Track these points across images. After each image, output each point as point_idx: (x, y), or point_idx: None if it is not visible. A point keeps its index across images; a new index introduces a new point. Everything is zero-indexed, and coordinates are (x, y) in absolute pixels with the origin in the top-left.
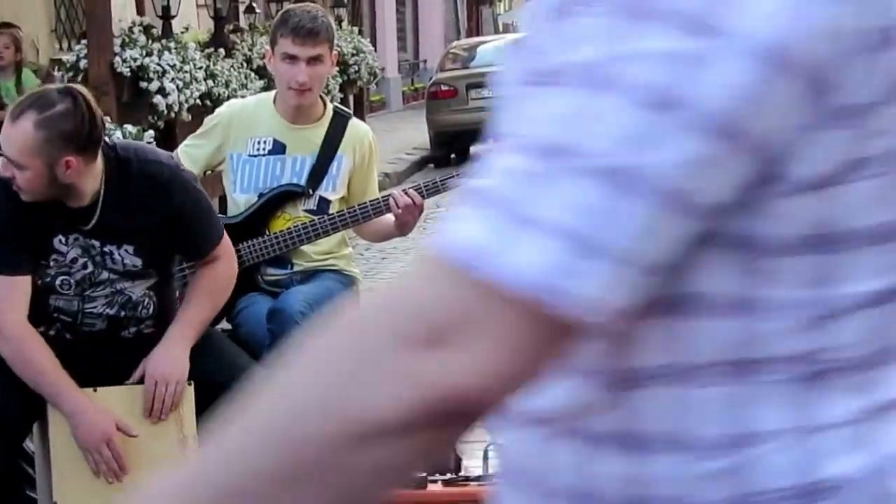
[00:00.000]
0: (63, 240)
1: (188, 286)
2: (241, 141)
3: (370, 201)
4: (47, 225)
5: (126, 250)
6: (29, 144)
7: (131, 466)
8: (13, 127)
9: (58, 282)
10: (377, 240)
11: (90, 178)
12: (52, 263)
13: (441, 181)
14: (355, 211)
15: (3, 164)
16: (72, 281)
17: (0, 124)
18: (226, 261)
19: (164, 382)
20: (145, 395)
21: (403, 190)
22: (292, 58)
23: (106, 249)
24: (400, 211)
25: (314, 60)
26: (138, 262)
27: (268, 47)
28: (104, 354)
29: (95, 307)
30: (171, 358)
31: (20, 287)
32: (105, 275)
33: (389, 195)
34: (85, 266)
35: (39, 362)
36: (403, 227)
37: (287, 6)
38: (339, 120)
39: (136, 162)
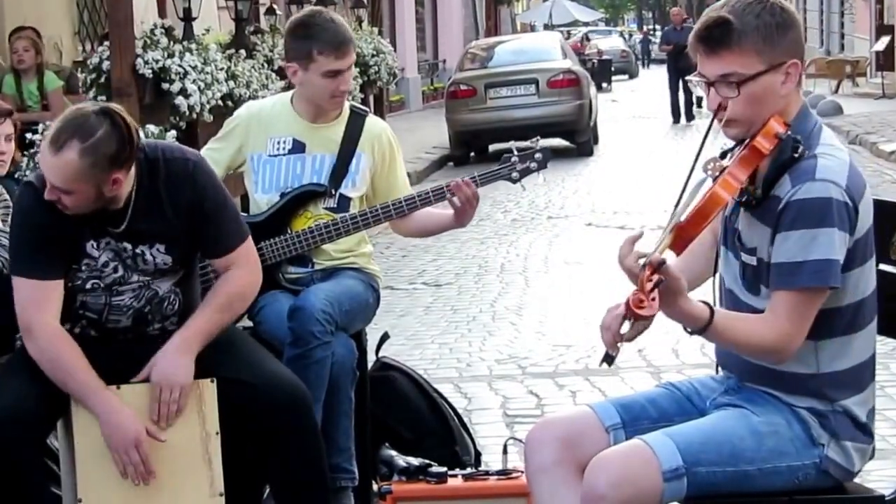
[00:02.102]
0: (95, 244)
1: (209, 291)
2: (260, 141)
3: (392, 202)
4: (79, 230)
5: (158, 249)
6: (76, 173)
7: (155, 463)
8: (57, 157)
9: (88, 285)
10: (424, 235)
11: (127, 184)
12: (83, 267)
13: (479, 176)
14: (377, 211)
15: (49, 190)
16: (101, 284)
17: (21, 127)
18: (249, 270)
19: (169, 388)
20: (151, 398)
21: (455, 181)
22: (336, 72)
23: (138, 251)
24: (459, 203)
25: (350, 66)
26: (169, 259)
27: (291, 63)
28: (129, 352)
29: (123, 300)
30: (175, 363)
31: (52, 291)
32: (135, 277)
33: (415, 197)
34: (115, 270)
35: (70, 363)
36: (462, 216)
37: (307, 9)
38: (356, 118)
39: (162, 160)
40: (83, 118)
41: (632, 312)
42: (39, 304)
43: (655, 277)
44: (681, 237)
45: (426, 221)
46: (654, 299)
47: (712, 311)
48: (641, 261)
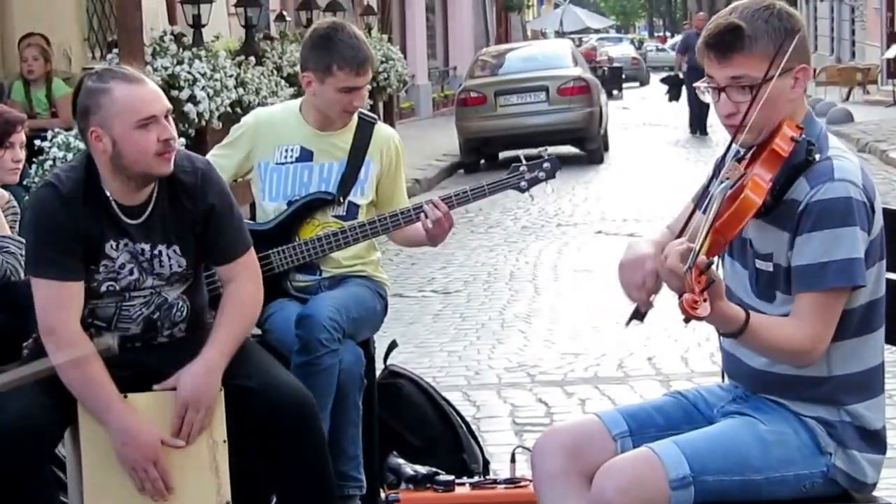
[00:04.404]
0: (114, 245)
1: (218, 309)
2: (268, 149)
3: (401, 210)
4: (99, 230)
5: (174, 250)
6: (160, 90)
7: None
8: (146, 83)
9: (104, 287)
10: (409, 245)
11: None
12: (101, 269)
13: (472, 192)
14: (385, 219)
15: (162, 127)
16: (117, 287)
17: (30, 134)
18: (254, 282)
19: (196, 408)
20: (175, 415)
21: (431, 201)
22: (353, 89)
23: (156, 251)
24: (430, 225)
25: (366, 83)
26: (184, 262)
27: (307, 73)
28: (137, 360)
29: (133, 305)
30: (204, 381)
31: (74, 292)
32: (150, 281)
33: (423, 205)
34: (132, 272)
35: (93, 373)
36: (434, 238)
37: (316, 16)
38: (365, 125)
39: (175, 165)
40: (110, 66)
41: (689, 314)
42: (62, 305)
43: (704, 279)
44: (717, 242)
45: (411, 234)
46: (705, 300)
47: (748, 313)
48: (685, 265)
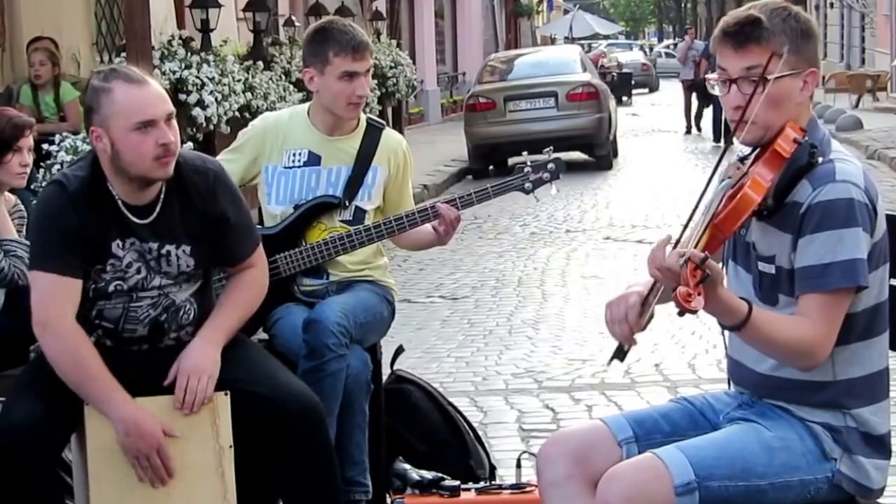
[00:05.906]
0: (120, 244)
1: (223, 291)
2: (275, 153)
3: (406, 213)
4: (105, 230)
5: (183, 250)
6: (164, 92)
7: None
8: (148, 86)
9: (111, 287)
10: (415, 249)
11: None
12: (108, 268)
13: (476, 194)
14: (391, 223)
15: (161, 131)
16: (125, 286)
17: (38, 138)
18: (259, 270)
19: (197, 376)
20: (177, 389)
21: (439, 203)
22: (352, 74)
23: (164, 251)
24: (440, 226)
25: (368, 71)
26: (192, 262)
27: (308, 69)
28: (143, 363)
29: (140, 306)
30: (202, 353)
31: (72, 288)
32: (157, 280)
33: (428, 208)
34: (139, 271)
35: (89, 365)
36: (443, 237)
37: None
38: (373, 131)
39: (184, 164)
40: (117, 66)
41: (683, 307)
42: (58, 299)
43: (699, 273)
44: (715, 237)
45: (418, 236)
46: (700, 294)
47: (751, 306)
48: (681, 259)
